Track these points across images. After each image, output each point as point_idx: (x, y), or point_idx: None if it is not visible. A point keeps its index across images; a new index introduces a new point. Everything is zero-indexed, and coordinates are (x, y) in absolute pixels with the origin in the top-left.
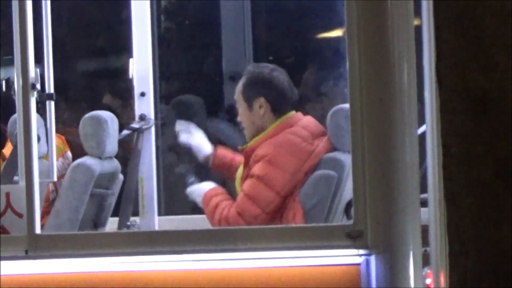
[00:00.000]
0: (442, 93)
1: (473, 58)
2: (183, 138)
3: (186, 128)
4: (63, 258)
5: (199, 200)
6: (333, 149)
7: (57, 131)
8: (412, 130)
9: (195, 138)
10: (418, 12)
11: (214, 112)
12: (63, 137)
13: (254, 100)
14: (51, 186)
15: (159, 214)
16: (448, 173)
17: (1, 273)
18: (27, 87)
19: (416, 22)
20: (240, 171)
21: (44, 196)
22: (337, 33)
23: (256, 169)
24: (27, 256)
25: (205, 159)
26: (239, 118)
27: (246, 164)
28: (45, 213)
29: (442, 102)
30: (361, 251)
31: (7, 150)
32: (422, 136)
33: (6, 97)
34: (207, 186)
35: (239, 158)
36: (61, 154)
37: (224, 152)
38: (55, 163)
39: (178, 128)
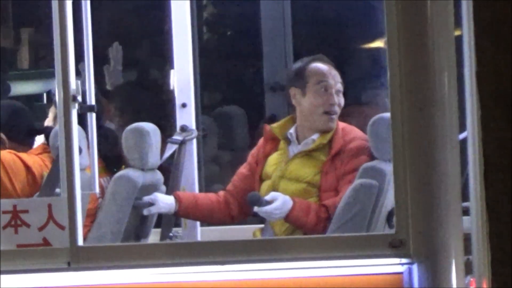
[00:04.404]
0: (482, 100)
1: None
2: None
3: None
4: (105, 269)
5: (281, 216)
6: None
7: None
8: (453, 138)
9: (155, 196)
10: (457, 22)
11: (256, 122)
12: None
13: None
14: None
15: (202, 224)
16: (489, 180)
17: (44, 285)
18: (68, 99)
19: (456, 32)
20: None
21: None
22: (377, 42)
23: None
24: (69, 268)
25: (170, 207)
26: None
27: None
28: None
29: (482, 109)
30: (403, 260)
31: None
32: (463, 143)
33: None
34: (287, 202)
35: (201, 195)
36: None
37: (185, 194)
38: (97, 175)
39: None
